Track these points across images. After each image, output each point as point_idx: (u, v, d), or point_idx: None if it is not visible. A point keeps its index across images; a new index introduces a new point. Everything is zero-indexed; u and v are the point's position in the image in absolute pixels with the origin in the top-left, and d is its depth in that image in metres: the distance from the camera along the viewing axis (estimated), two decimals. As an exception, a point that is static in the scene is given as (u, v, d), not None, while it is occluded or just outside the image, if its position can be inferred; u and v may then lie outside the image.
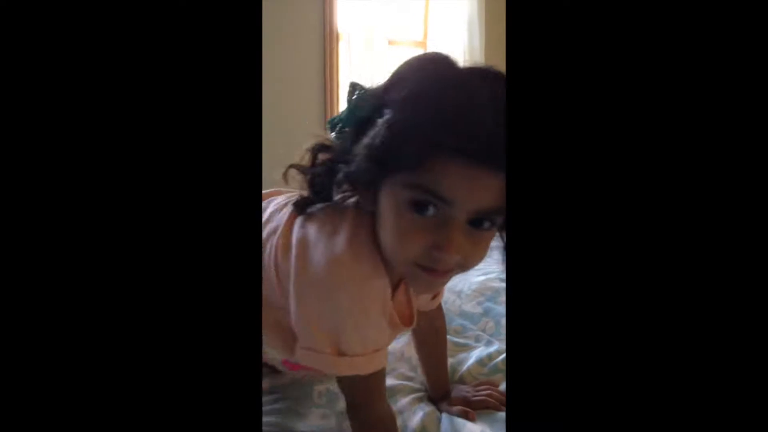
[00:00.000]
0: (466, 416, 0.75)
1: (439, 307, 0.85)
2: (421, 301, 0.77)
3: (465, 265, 0.53)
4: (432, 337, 0.84)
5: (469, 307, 1.12)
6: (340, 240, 0.55)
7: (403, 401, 0.79)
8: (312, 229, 0.57)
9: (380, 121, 0.50)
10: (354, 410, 0.63)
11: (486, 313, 1.09)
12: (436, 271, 0.52)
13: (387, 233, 0.53)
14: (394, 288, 0.63)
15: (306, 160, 0.58)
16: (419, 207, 0.49)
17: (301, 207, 0.59)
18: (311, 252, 0.55)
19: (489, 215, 0.50)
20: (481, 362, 0.91)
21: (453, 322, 1.05)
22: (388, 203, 0.52)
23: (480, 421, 0.74)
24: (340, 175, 0.55)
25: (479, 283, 1.22)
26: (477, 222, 0.51)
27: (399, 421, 0.74)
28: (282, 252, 0.59)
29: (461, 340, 0.99)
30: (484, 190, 0.48)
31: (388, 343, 0.63)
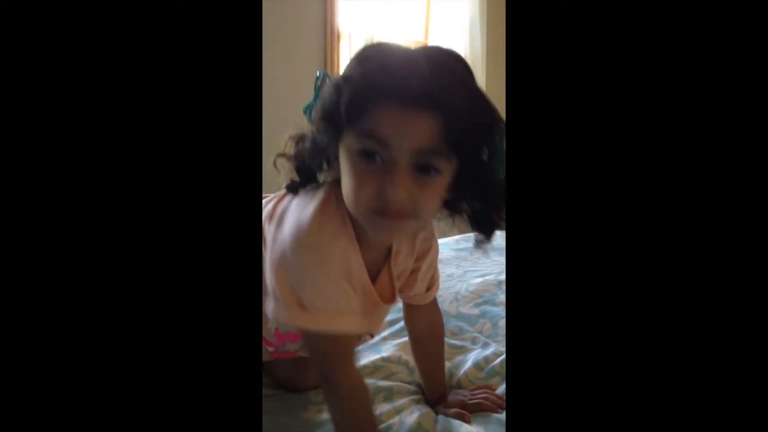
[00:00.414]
0: (462, 418, 0.76)
1: (436, 308, 0.86)
2: (416, 293, 0.80)
3: (417, 213, 0.57)
4: (429, 338, 0.85)
5: (466, 308, 1.12)
6: (309, 208, 0.62)
7: (400, 402, 0.79)
8: (293, 202, 0.65)
9: (331, 83, 0.57)
10: (323, 378, 0.66)
11: (483, 314, 1.09)
12: (388, 212, 0.56)
13: (345, 187, 0.58)
14: (377, 271, 0.70)
15: (290, 148, 0.65)
16: (368, 156, 0.55)
17: (291, 189, 0.67)
18: (286, 219, 0.63)
19: (430, 158, 0.54)
20: (478, 366, 0.91)
21: (450, 323, 1.06)
22: (345, 160, 0.57)
23: (476, 424, 0.75)
24: (311, 150, 0.62)
25: (476, 285, 1.22)
26: (422, 168, 0.55)
27: (395, 420, 0.74)
28: (267, 222, 0.68)
29: (458, 342, 1.00)
30: (419, 129, 0.53)
31: (362, 314, 0.67)
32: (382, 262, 0.72)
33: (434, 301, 0.86)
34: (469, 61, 0.60)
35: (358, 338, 0.81)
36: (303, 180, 0.66)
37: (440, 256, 1.39)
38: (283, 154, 0.65)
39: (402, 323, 0.96)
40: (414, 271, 0.77)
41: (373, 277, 0.70)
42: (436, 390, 0.84)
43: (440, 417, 0.77)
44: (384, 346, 0.96)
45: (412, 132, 0.53)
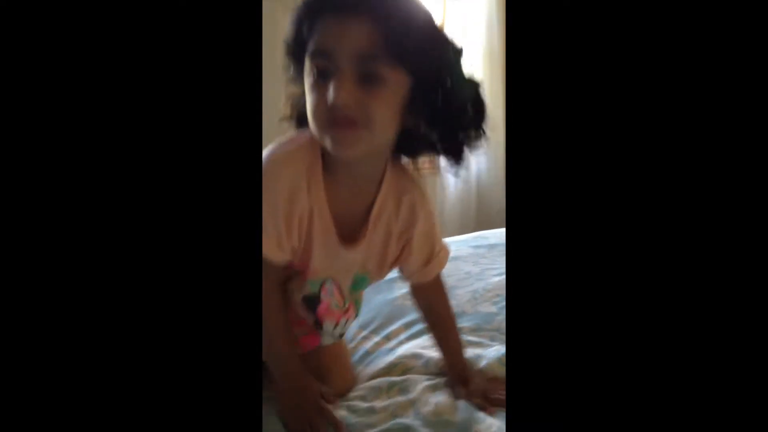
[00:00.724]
0: (485, 410, 0.75)
1: (439, 288, 0.85)
2: (413, 268, 0.80)
3: (367, 122, 0.58)
4: (435, 318, 0.84)
5: (484, 306, 1.12)
6: (282, 140, 0.67)
7: (415, 393, 0.79)
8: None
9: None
10: None
11: (501, 312, 1.08)
12: (336, 120, 0.58)
13: (307, 109, 0.61)
14: (358, 224, 0.72)
15: (287, 108, 0.70)
16: (321, 73, 0.58)
17: None
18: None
19: (372, 64, 0.56)
20: (500, 361, 0.90)
21: (468, 321, 1.05)
22: (306, 83, 0.61)
23: (497, 418, 0.74)
24: (299, 98, 0.64)
25: (494, 283, 1.22)
26: (368, 77, 0.57)
27: (411, 411, 0.74)
28: None
29: (476, 339, 0.99)
30: (356, 34, 0.56)
31: (324, 255, 0.70)
32: (362, 215, 0.72)
33: (438, 281, 0.84)
34: (487, 57, 0.62)
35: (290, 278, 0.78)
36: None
37: (457, 253, 1.40)
38: (283, 119, 0.70)
39: (420, 325, 0.95)
40: (408, 241, 0.77)
41: (353, 229, 0.72)
42: (456, 369, 0.82)
43: (461, 404, 0.76)
44: (400, 348, 0.95)
45: (351, 37, 0.56)
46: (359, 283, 0.80)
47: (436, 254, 0.81)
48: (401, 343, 0.96)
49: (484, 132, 0.65)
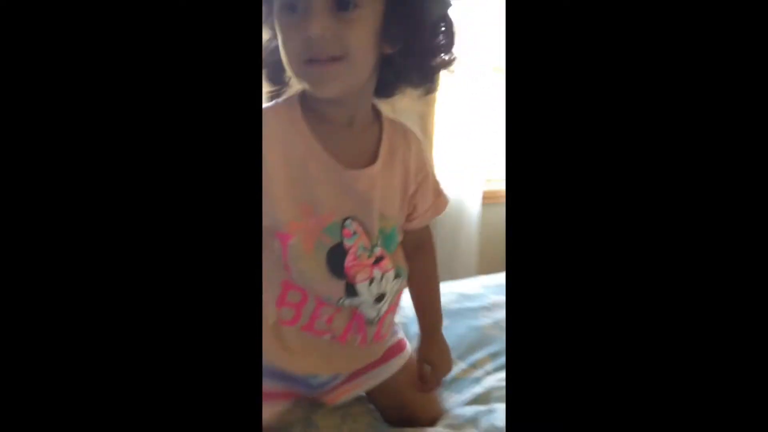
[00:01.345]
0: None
1: (431, 245, 0.82)
2: (419, 211, 0.75)
3: (346, 51, 0.55)
4: (419, 275, 0.79)
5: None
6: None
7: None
8: None
9: None
10: None
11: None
12: (315, 56, 0.55)
13: (280, 47, 0.58)
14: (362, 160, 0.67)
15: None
16: (290, 8, 0.55)
17: (271, 97, 0.68)
18: None
19: None
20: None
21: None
22: (276, 23, 0.58)
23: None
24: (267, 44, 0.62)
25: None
26: (341, 3, 0.54)
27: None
28: None
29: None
30: None
31: (332, 194, 0.64)
32: (371, 157, 0.68)
33: (429, 236, 0.81)
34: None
35: None
36: (276, 84, 0.66)
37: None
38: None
39: (504, 357, 0.93)
40: (423, 180, 0.73)
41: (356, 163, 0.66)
42: (427, 336, 0.79)
43: None
44: (487, 380, 0.93)
45: None
46: (390, 237, 0.71)
47: (439, 195, 0.78)
48: (488, 373, 0.96)
49: (454, 55, 0.63)
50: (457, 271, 1.94)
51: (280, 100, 0.66)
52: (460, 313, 1.15)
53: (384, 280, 0.70)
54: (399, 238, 0.74)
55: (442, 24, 0.62)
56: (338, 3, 0.55)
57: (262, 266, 0.70)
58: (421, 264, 0.79)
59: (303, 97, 0.66)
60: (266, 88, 0.68)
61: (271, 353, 0.67)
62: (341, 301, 0.69)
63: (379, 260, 0.69)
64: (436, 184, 0.77)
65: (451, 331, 1.04)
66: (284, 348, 0.69)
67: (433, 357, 0.80)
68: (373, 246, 0.68)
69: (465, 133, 1.97)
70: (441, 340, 0.81)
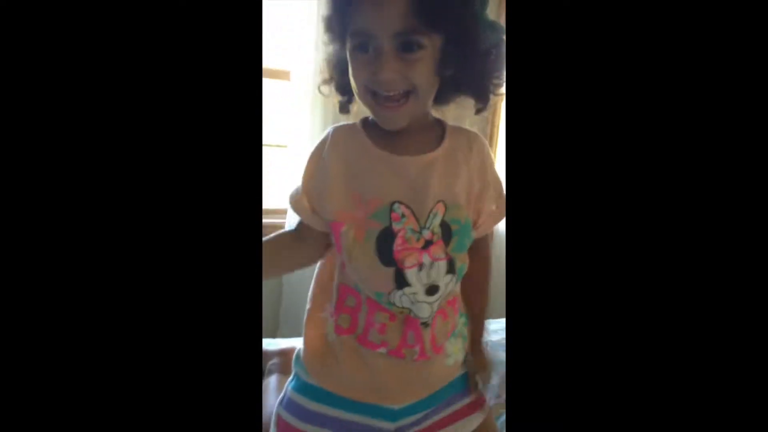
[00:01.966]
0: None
1: (487, 253, 0.83)
2: (484, 216, 0.75)
3: (414, 92, 0.64)
4: (471, 282, 0.79)
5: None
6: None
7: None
8: None
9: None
10: None
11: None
12: (385, 97, 0.63)
13: (351, 78, 0.66)
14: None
15: (325, 72, 0.73)
16: (361, 48, 0.63)
17: (342, 109, 0.75)
18: None
19: (410, 36, 0.61)
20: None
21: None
22: (348, 56, 0.65)
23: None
24: (336, 65, 0.70)
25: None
26: (406, 46, 0.61)
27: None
28: None
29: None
30: (393, 14, 0.60)
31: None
32: (420, 151, 0.70)
33: (486, 245, 0.82)
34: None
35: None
36: (345, 93, 0.73)
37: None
38: (320, 85, 0.74)
39: None
40: (486, 182, 0.74)
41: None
42: (476, 347, 0.81)
43: None
44: None
45: (388, 17, 0.60)
46: (465, 229, 0.71)
47: (501, 201, 0.77)
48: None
49: (502, 80, 0.69)
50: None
51: (347, 124, 0.72)
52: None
53: (434, 269, 0.68)
54: (473, 235, 0.73)
55: (494, 50, 0.68)
56: (403, 45, 0.61)
57: (324, 274, 0.75)
58: (476, 270, 0.78)
59: (364, 120, 0.73)
60: (335, 98, 0.75)
61: (333, 379, 0.73)
62: (392, 296, 0.68)
63: (428, 245, 0.68)
64: (499, 187, 0.76)
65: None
66: (343, 371, 0.72)
67: (478, 367, 0.81)
68: (422, 228, 0.67)
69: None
70: (484, 351, 0.82)
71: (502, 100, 0.76)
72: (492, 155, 0.76)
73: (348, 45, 0.64)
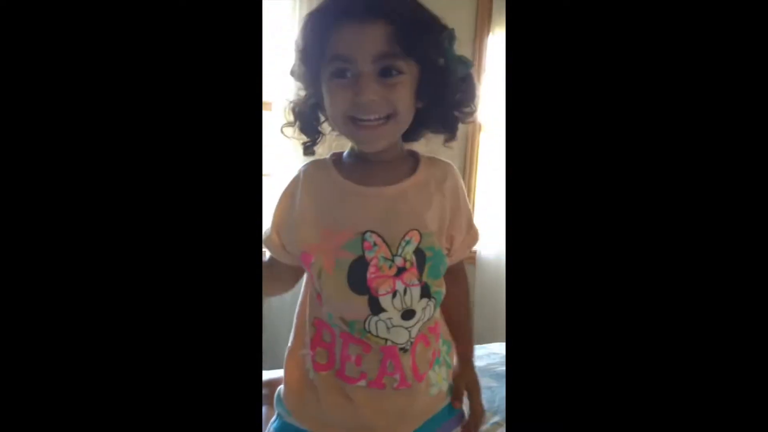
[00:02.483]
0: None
1: (463, 276, 0.84)
2: (456, 244, 0.76)
3: (394, 115, 0.64)
4: (452, 306, 0.80)
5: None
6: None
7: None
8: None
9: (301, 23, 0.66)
10: None
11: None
12: (364, 120, 0.63)
13: (327, 107, 0.66)
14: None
15: (289, 114, 0.73)
16: (339, 74, 0.63)
17: (307, 150, 0.75)
18: None
19: (390, 60, 0.62)
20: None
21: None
22: (324, 88, 0.65)
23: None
24: (304, 103, 0.70)
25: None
26: (386, 71, 0.62)
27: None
28: None
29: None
30: (375, 37, 0.61)
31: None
32: (392, 182, 0.71)
33: (462, 268, 0.82)
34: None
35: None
36: (309, 135, 0.74)
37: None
38: (284, 125, 0.74)
39: None
40: (456, 211, 0.74)
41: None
42: (464, 370, 0.81)
43: None
44: None
45: (370, 42, 0.61)
46: (438, 256, 0.71)
47: (471, 229, 0.79)
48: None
49: (474, 106, 0.71)
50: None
51: (318, 160, 0.74)
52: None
53: (408, 294, 0.68)
54: (447, 262, 0.74)
55: (463, 83, 0.70)
56: (383, 70, 0.62)
57: (303, 311, 0.74)
58: (454, 290, 0.77)
59: (335, 156, 0.74)
60: (300, 139, 0.75)
61: (314, 418, 0.72)
62: (368, 323, 0.67)
63: (401, 272, 0.68)
64: (469, 215, 0.78)
65: (497, 395, 1.11)
66: (324, 408, 0.70)
67: (468, 385, 0.80)
68: (394, 256, 0.68)
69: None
70: (473, 370, 0.82)
71: (480, 132, 0.78)
72: (464, 185, 0.77)
73: (324, 74, 0.65)
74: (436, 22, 0.66)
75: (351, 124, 0.65)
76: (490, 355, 1.54)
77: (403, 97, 0.65)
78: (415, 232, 0.69)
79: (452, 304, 0.78)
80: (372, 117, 0.64)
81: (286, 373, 0.75)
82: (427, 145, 0.77)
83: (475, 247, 1.18)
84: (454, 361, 0.81)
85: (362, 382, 0.69)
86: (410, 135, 0.73)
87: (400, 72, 0.63)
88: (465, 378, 0.80)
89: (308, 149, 0.75)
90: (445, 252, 0.73)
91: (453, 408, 0.79)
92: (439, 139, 0.75)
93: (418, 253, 0.69)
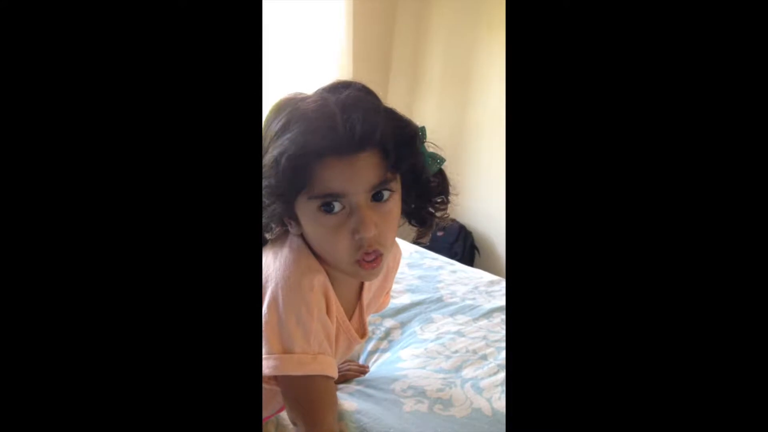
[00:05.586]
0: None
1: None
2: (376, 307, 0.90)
3: (384, 243, 0.61)
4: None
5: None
6: (285, 252, 0.65)
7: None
8: (267, 255, 0.67)
9: (268, 161, 0.57)
10: (306, 429, 0.64)
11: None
12: (369, 259, 0.61)
13: (318, 243, 0.63)
14: (352, 310, 0.77)
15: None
16: (327, 208, 0.58)
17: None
18: (266, 268, 0.65)
19: (383, 186, 0.59)
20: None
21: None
22: (306, 219, 0.61)
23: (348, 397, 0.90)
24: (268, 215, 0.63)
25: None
26: (377, 196, 0.60)
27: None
28: None
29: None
30: (364, 170, 0.57)
31: (337, 356, 0.73)
32: (355, 299, 0.78)
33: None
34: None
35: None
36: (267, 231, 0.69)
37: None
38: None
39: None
40: (378, 289, 0.84)
41: (349, 316, 0.76)
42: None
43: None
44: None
45: (362, 175, 0.57)
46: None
47: (388, 294, 0.93)
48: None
49: (448, 199, 0.71)
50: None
51: (300, 249, 0.67)
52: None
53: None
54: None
55: (435, 178, 0.68)
56: (374, 197, 0.60)
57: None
58: None
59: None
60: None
61: None
62: None
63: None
64: (390, 286, 0.91)
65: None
66: None
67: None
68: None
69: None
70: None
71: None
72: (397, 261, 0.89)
73: (304, 207, 0.60)
74: (410, 126, 0.62)
75: (357, 266, 0.62)
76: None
77: (395, 217, 0.64)
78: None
79: None
80: (371, 252, 0.61)
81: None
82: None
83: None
84: None
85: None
86: None
87: (391, 191, 0.61)
88: None
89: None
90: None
91: None
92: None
93: None
